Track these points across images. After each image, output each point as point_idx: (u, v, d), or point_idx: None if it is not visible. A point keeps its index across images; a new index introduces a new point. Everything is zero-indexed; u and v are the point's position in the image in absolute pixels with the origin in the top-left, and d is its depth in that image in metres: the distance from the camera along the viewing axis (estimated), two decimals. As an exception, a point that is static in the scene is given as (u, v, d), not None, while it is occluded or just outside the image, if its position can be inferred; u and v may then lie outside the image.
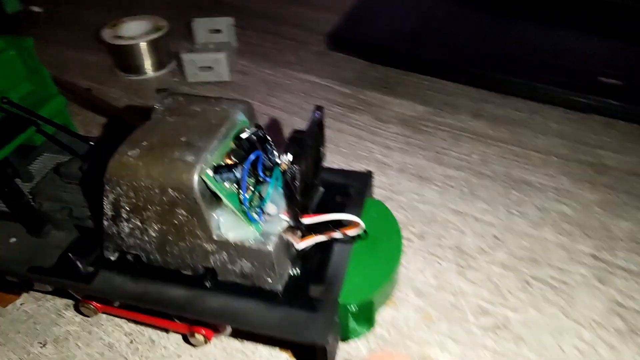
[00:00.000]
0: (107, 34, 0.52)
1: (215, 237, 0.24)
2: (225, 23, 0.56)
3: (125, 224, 0.25)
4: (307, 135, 0.26)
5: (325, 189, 0.30)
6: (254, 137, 0.25)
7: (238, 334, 0.29)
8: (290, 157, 0.24)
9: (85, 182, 0.29)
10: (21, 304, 0.32)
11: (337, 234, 0.26)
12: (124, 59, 0.53)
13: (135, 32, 0.53)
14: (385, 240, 0.28)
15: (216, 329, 0.27)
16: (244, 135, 0.25)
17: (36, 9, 0.68)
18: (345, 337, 0.27)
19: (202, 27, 0.55)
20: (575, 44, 0.45)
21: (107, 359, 0.28)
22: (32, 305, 0.32)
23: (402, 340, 0.29)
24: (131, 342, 0.29)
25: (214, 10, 0.66)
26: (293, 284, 0.25)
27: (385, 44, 0.49)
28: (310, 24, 0.62)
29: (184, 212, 0.23)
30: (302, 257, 0.27)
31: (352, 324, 0.26)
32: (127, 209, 0.24)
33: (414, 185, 0.39)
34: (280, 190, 0.24)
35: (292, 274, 0.26)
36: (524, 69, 0.44)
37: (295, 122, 0.46)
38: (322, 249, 0.27)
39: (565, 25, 0.48)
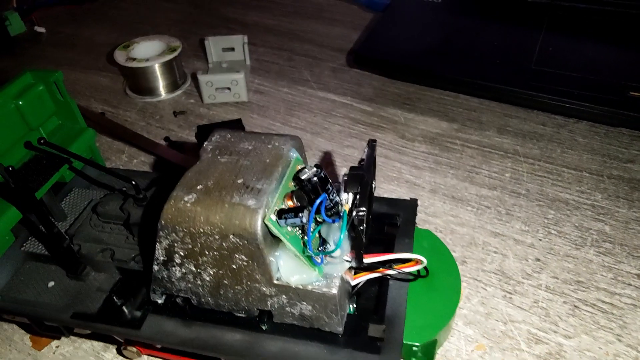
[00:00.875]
0: (120, 56, 0.50)
1: (275, 281, 0.23)
2: (239, 41, 0.55)
3: (178, 268, 0.24)
4: (367, 172, 0.25)
5: (372, 219, 0.29)
6: (316, 179, 0.24)
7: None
8: (351, 196, 0.23)
9: (129, 224, 0.28)
10: (57, 347, 0.30)
11: (396, 272, 0.25)
12: (138, 81, 0.52)
13: (149, 53, 0.52)
14: (442, 272, 0.28)
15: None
16: (304, 177, 0.23)
17: (40, 29, 0.67)
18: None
19: (215, 45, 0.55)
20: (603, 58, 0.45)
21: (153, 405, 0.27)
22: (68, 347, 0.30)
23: (457, 373, 0.28)
24: (176, 385, 0.28)
25: (224, 27, 0.66)
26: (351, 323, 0.25)
27: (406, 60, 0.49)
28: (322, 39, 0.62)
29: (244, 257, 0.23)
30: (357, 294, 0.26)
31: None
32: (182, 254, 0.23)
33: (449, 206, 0.38)
34: (346, 232, 0.23)
35: (349, 312, 0.25)
36: (550, 83, 0.43)
37: (319, 143, 0.45)
38: (378, 285, 0.26)
39: (594, 39, 0.48)
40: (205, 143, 0.26)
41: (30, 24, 0.67)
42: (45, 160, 0.29)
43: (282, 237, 0.22)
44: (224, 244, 0.22)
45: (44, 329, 0.28)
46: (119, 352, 0.29)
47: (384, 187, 0.40)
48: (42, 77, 0.31)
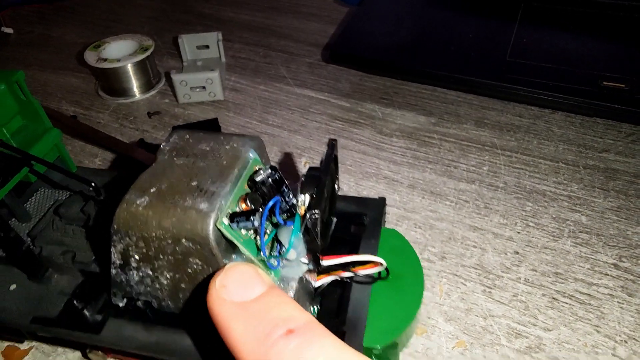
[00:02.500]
0: (90, 57, 0.49)
1: None
2: (213, 38, 0.54)
3: (135, 272, 0.23)
4: (324, 173, 0.25)
5: (337, 218, 0.29)
6: (270, 181, 0.23)
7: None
8: (307, 197, 0.23)
9: (89, 226, 0.27)
10: (30, 361, 0.30)
11: (356, 274, 0.25)
12: (111, 82, 0.50)
13: (121, 53, 0.50)
14: (406, 274, 0.27)
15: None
16: (258, 179, 0.23)
17: (7, 30, 0.65)
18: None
19: (189, 43, 0.54)
20: (577, 49, 0.45)
21: (131, 416, 0.27)
22: (42, 361, 0.30)
23: (438, 370, 0.28)
24: (155, 394, 0.28)
25: (199, 24, 0.65)
26: None
27: (382, 55, 0.48)
28: (298, 34, 0.61)
29: (199, 262, 0.22)
30: (321, 295, 0.25)
31: None
32: (137, 258, 0.23)
33: (427, 201, 0.38)
34: (299, 235, 0.23)
35: (312, 314, 0.25)
36: (525, 75, 0.43)
37: (297, 140, 0.45)
38: (341, 287, 0.26)
39: (568, 31, 0.48)
40: (162, 144, 0.25)
41: (-4, 24, 0.65)
42: (3, 163, 0.28)
43: (235, 241, 0.21)
44: (177, 249, 0.22)
45: (8, 332, 0.28)
46: (84, 355, 0.29)
47: (363, 184, 0.40)
48: (4, 77, 0.30)
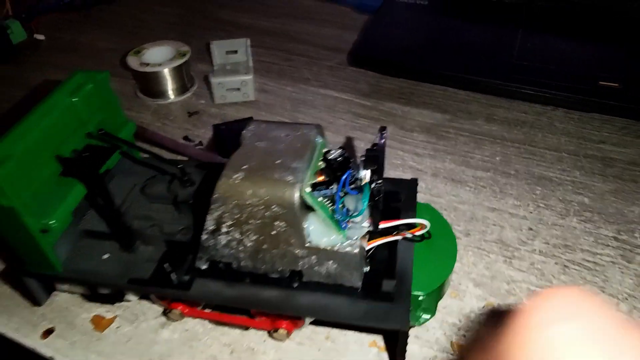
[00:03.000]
0: (133, 61, 0.53)
1: (307, 245, 0.27)
2: (241, 44, 0.58)
3: (224, 236, 0.28)
4: (381, 153, 0.30)
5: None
6: (341, 158, 0.28)
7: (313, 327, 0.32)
8: (368, 172, 0.28)
9: (176, 202, 0.32)
10: (117, 327, 0.34)
11: (408, 235, 0.30)
12: (151, 85, 0.55)
13: (161, 58, 0.55)
14: (441, 238, 0.32)
15: (295, 324, 0.31)
16: (331, 157, 0.29)
17: (39, 36, 0.69)
18: (411, 325, 0.31)
19: (219, 48, 0.58)
20: (576, 53, 0.51)
21: (215, 369, 0.31)
22: (128, 327, 0.34)
23: (473, 325, 0.33)
24: (232, 352, 0.32)
25: (220, 30, 0.69)
26: (367, 280, 0.29)
27: (398, 57, 0.54)
28: (315, 39, 0.66)
29: (283, 224, 0.27)
30: (370, 257, 0.30)
31: (419, 312, 0.31)
32: (229, 223, 0.28)
33: (449, 187, 0.43)
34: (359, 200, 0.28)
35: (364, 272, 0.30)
36: (530, 76, 0.49)
37: (327, 136, 0.49)
38: (388, 248, 0.31)
39: (567, 35, 0.53)
40: (244, 132, 0.30)
41: (29, 31, 0.68)
42: (101, 148, 0.32)
43: (315, 206, 0.26)
44: (266, 214, 0.27)
45: (99, 298, 0.32)
46: (164, 314, 0.33)
47: (391, 173, 0.45)
48: (91, 76, 0.34)
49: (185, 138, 0.49)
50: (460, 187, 0.43)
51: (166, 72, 0.54)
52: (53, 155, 0.31)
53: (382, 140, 0.30)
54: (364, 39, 0.57)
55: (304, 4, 0.74)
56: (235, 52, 0.59)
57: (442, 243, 0.32)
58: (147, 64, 0.53)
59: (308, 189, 0.26)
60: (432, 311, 0.31)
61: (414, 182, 0.35)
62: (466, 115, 0.52)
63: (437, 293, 0.30)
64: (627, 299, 0.34)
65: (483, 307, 0.34)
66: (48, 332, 0.34)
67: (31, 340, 0.33)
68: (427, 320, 0.31)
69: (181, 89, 0.56)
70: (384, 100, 0.54)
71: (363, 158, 0.29)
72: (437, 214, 0.35)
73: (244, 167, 0.27)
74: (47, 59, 0.65)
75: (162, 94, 0.55)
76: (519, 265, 0.37)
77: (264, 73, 0.60)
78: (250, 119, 0.51)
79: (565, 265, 0.36)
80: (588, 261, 0.37)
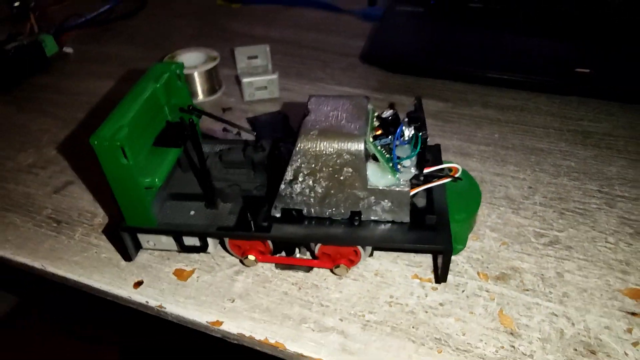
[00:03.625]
0: (170, 66, 0.60)
1: (368, 186, 0.34)
2: (262, 50, 0.66)
3: (299, 184, 0.35)
4: (422, 112, 0.37)
5: None
6: (395, 116, 0.36)
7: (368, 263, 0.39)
8: (412, 129, 0.36)
9: (253, 165, 0.39)
10: (197, 277, 0.40)
11: (447, 180, 0.37)
12: (187, 85, 0.61)
13: (194, 62, 0.61)
14: (467, 187, 0.40)
15: (352, 261, 0.38)
16: (385, 115, 0.36)
17: (68, 49, 0.75)
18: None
19: (242, 54, 0.65)
20: (555, 45, 0.60)
21: (288, 302, 0.37)
22: (206, 276, 0.40)
23: (493, 259, 0.40)
24: (299, 288, 0.38)
25: (236, 40, 0.76)
26: (412, 216, 0.36)
27: (403, 56, 0.62)
28: (325, 46, 0.74)
29: (350, 169, 0.34)
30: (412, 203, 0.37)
31: (454, 243, 0.38)
32: (305, 172, 0.34)
33: (460, 160, 0.51)
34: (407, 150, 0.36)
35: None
36: (517, 67, 0.58)
37: (349, 123, 0.57)
38: (426, 193, 0.38)
39: (547, 34, 0.63)
40: (308, 103, 0.37)
41: (59, 45, 0.74)
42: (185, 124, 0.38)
43: (376, 153, 0.34)
44: (338, 161, 0.34)
45: (187, 249, 0.38)
46: (241, 262, 0.40)
47: (409, 150, 0.52)
48: (168, 67, 0.40)
49: (225, 129, 0.56)
50: (468, 158, 0.51)
51: (201, 73, 0.60)
52: (146, 130, 0.37)
53: (418, 105, 0.38)
54: (373, 41, 0.65)
55: (311, 16, 0.83)
56: (256, 57, 0.66)
57: (467, 187, 0.40)
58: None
59: (371, 139, 0.34)
60: (464, 243, 0.38)
61: (437, 147, 0.43)
62: (465, 103, 0.60)
63: (468, 225, 0.37)
64: (612, 234, 0.42)
65: (499, 245, 0.42)
66: (138, 284, 0.39)
67: (125, 291, 0.39)
68: (460, 249, 0.38)
69: (211, 89, 0.63)
70: (393, 94, 0.62)
71: (406, 119, 0.36)
72: (463, 170, 0.43)
73: (317, 126, 0.34)
74: (78, 69, 0.71)
75: (194, 94, 0.62)
76: (524, 215, 0.44)
77: (283, 75, 0.67)
78: (278, 112, 0.59)
79: (561, 212, 0.44)
80: (579, 208, 0.45)
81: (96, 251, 0.42)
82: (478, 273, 0.39)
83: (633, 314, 0.36)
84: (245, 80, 0.60)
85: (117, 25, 0.83)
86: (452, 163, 0.38)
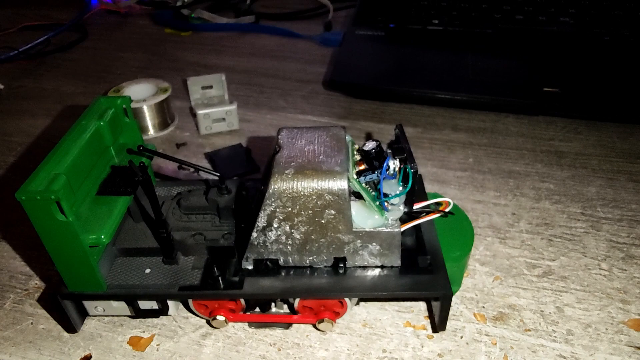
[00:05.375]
0: (115, 100, 0.54)
1: (354, 229, 0.30)
2: (217, 79, 0.61)
3: (274, 232, 0.31)
4: (405, 142, 0.34)
5: None
6: (379, 148, 0.32)
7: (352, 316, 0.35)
8: (397, 162, 0.32)
9: (218, 210, 0.33)
10: (158, 345, 0.34)
11: (437, 214, 0.34)
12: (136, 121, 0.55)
13: (142, 95, 0.56)
14: (457, 220, 0.37)
15: (337, 313, 0.33)
16: (367, 148, 0.32)
17: (-2, 85, 0.67)
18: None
19: (196, 84, 0.60)
20: (522, 65, 0.60)
21: (267, 367, 0.32)
22: (168, 343, 0.34)
23: (488, 297, 0.37)
24: (279, 349, 0.33)
25: (189, 70, 0.71)
26: (403, 258, 0.32)
27: (368, 82, 0.59)
28: (284, 74, 0.70)
29: (333, 212, 0.30)
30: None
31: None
32: (281, 217, 0.30)
33: (437, 187, 0.48)
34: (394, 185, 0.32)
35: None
36: (483, 89, 0.56)
37: (317, 154, 0.53)
38: (414, 231, 0.35)
39: (510, 54, 0.62)
40: (279, 137, 0.33)
41: (-13, 81, 0.66)
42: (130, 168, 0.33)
43: (361, 191, 0.30)
44: (318, 202, 0.29)
45: (142, 314, 0.32)
46: (208, 323, 0.34)
47: (383, 181, 0.49)
48: (113, 102, 0.35)
49: (180, 167, 0.51)
50: (446, 186, 0.48)
51: (150, 107, 0.55)
52: (88, 176, 0.31)
53: (401, 134, 0.35)
54: (337, 67, 0.62)
55: (267, 43, 0.79)
56: (211, 87, 0.62)
57: (457, 221, 0.37)
58: (132, 101, 0.54)
59: (355, 176, 0.30)
60: (459, 283, 0.35)
61: (419, 177, 0.40)
62: (434, 127, 0.58)
63: (464, 264, 0.34)
64: (605, 259, 0.40)
65: (492, 281, 0.38)
66: (86, 359, 0.33)
67: (69, 370, 0.32)
68: (455, 292, 0.35)
69: (162, 124, 0.58)
70: (359, 120, 0.59)
71: (389, 151, 0.33)
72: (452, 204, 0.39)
73: (292, 163, 0.30)
74: (10, 106, 0.64)
75: (144, 129, 0.56)
76: (512, 244, 0.42)
77: (242, 105, 0.62)
78: (240, 146, 0.54)
79: (549, 239, 0.42)
80: (566, 234, 0.43)
81: (32, 322, 0.36)
82: (475, 314, 0.36)
83: (643, 348, 0.33)
84: (200, 112, 0.55)
85: (55, 59, 0.76)
86: (442, 197, 0.35)
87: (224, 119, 0.56)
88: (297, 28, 0.83)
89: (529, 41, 0.63)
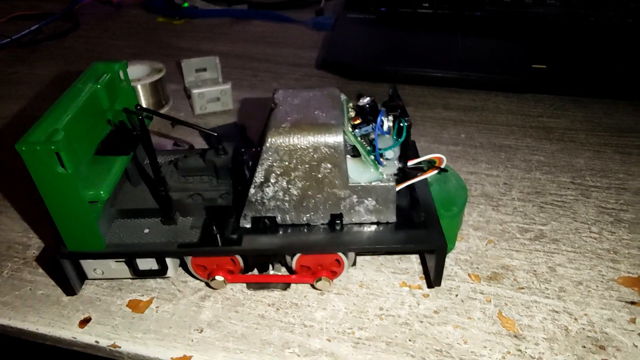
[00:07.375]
0: (110, 80, 0.54)
1: (350, 183, 0.31)
2: (211, 61, 0.61)
3: (271, 188, 0.31)
4: (399, 99, 0.34)
5: None
6: (373, 103, 0.33)
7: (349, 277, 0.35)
8: (391, 118, 0.33)
9: (215, 171, 0.34)
10: (157, 307, 0.34)
11: (434, 171, 0.34)
12: (130, 101, 0.56)
13: (137, 75, 0.56)
14: (450, 179, 0.37)
15: (334, 272, 0.34)
16: (361, 103, 0.33)
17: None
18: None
19: (190, 67, 0.60)
20: (511, 43, 0.61)
21: (266, 325, 0.33)
22: (167, 305, 0.34)
23: (482, 259, 0.38)
24: (277, 309, 0.34)
25: (182, 56, 0.71)
26: (398, 215, 0.33)
27: (360, 62, 0.60)
28: (277, 58, 0.71)
29: (329, 165, 0.30)
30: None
31: None
32: (278, 172, 0.30)
33: (430, 160, 0.49)
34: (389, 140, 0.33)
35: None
36: (474, 67, 0.57)
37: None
38: (409, 190, 0.35)
39: (499, 34, 0.63)
40: (275, 96, 0.33)
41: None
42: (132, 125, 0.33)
43: (357, 144, 0.30)
44: (314, 156, 0.30)
45: (141, 274, 0.33)
46: (208, 285, 0.34)
47: (377, 155, 0.50)
48: (109, 67, 0.35)
49: (175, 144, 0.51)
50: (438, 159, 0.49)
51: (145, 86, 0.55)
52: (85, 137, 0.32)
53: (395, 93, 0.35)
54: (329, 48, 0.63)
55: (259, 29, 0.80)
56: (205, 69, 0.62)
57: (450, 181, 0.37)
58: (127, 80, 0.54)
59: (350, 129, 0.30)
60: (453, 242, 0.36)
61: (412, 143, 0.41)
62: (426, 106, 0.59)
63: (458, 221, 0.35)
64: (594, 223, 0.41)
65: (486, 244, 0.39)
66: (85, 322, 0.33)
67: (69, 332, 0.32)
68: (450, 250, 0.35)
69: (157, 104, 0.58)
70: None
71: (383, 109, 0.33)
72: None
73: (288, 118, 0.30)
74: (11, 91, 0.63)
75: (140, 110, 0.56)
76: (505, 211, 0.42)
77: (235, 87, 0.63)
78: (235, 124, 0.54)
79: (541, 206, 0.43)
80: (557, 201, 0.43)
81: (31, 288, 0.36)
82: (469, 275, 0.36)
83: (632, 303, 0.34)
84: (195, 91, 0.55)
85: (47, 46, 0.76)
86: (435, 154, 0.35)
87: (218, 99, 0.57)
88: (290, 13, 0.83)
89: (516, 23, 0.65)
